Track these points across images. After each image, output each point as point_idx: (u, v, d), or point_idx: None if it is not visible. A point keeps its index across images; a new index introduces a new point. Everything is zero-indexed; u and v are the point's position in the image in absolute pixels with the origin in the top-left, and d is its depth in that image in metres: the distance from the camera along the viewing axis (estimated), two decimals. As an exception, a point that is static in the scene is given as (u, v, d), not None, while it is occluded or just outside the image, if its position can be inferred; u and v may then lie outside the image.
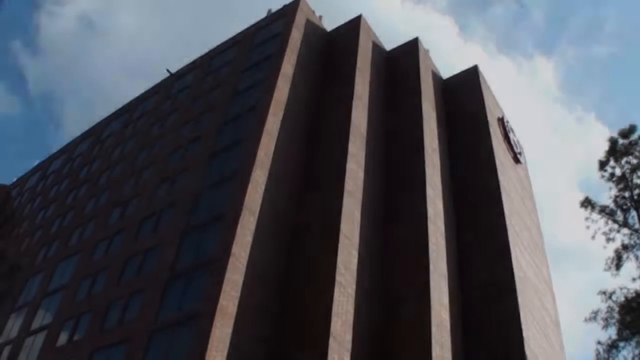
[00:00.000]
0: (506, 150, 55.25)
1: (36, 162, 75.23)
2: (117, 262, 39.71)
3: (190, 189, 39.36)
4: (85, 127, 69.83)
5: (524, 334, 38.14)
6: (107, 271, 39.99)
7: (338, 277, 32.69)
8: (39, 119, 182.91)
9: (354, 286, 34.01)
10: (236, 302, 29.97)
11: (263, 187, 35.73)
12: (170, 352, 30.04)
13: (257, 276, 32.55)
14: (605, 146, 41.46)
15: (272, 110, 40.09)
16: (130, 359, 31.59)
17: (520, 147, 59.94)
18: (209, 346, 27.70)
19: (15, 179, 76.20)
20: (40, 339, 40.57)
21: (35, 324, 42.74)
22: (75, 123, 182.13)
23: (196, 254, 34.06)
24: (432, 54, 58.95)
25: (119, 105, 65.96)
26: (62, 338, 38.70)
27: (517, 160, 57.58)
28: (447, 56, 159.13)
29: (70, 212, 53.71)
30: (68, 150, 69.28)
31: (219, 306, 28.90)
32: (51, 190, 63.02)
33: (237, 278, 30.72)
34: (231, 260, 30.77)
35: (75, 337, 37.62)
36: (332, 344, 30.19)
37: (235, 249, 31.39)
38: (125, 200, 46.40)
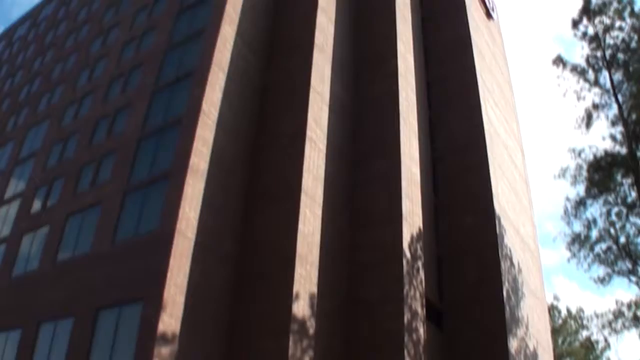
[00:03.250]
0: (479, 6, 54.42)
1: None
2: (87, 125, 39.26)
3: (159, 48, 38.47)
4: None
5: (493, 189, 38.74)
6: (78, 135, 39.60)
7: (309, 133, 32.61)
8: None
9: (324, 142, 34.02)
10: (207, 158, 29.91)
11: (232, 43, 34.96)
12: (144, 211, 30.09)
13: (227, 133, 32.41)
14: (579, 4, 41.02)
15: (239, -37, 38.78)
16: (104, 220, 31.66)
17: (493, 3, 59.08)
18: (182, 203, 27.78)
19: (-21, 49, 74.39)
20: (14, 207, 40.53)
21: (9, 193, 42.60)
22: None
23: (166, 112, 33.62)
24: None
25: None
26: (36, 205, 38.61)
27: (489, 16, 56.85)
28: None
29: (38, 78, 52.73)
30: (32, 15, 67.48)
31: (190, 163, 28.79)
32: (17, 57, 61.66)
33: (208, 135, 30.50)
34: (201, 117, 30.44)
35: (49, 203, 37.52)
36: (304, 199, 30.49)
37: (205, 105, 31.00)
38: (93, 62, 45.37)
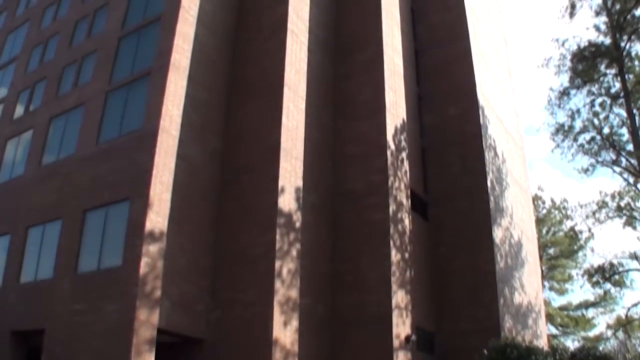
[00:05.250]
0: None
1: None
2: (67, 26, 38.54)
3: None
4: None
5: (476, 79, 38.66)
6: (58, 37, 38.93)
7: (290, 25, 32.20)
8: None
9: (306, 34, 33.66)
10: (188, 55, 29.53)
11: None
12: (127, 111, 29.91)
13: (208, 29, 32.21)
14: None
15: None
16: (88, 121, 31.48)
17: None
18: (165, 101, 27.57)
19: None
20: (-4, 114, 40.25)
21: (-10, 99, 42.20)
22: None
23: (145, 9, 32.89)
24: None
25: None
26: (19, 110, 38.29)
27: None
28: None
29: (16, -18, 51.57)
30: None
31: (171, 60, 28.42)
32: (-7, -39, 60.18)
33: (188, 31, 30.02)
34: (181, 12, 29.81)
35: (32, 107, 37.20)
36: (287, 92, 30.42)
37: (185, 1, 30.37)
38: (69, -37, 44.19)
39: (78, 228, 28.04)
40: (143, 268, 24.19)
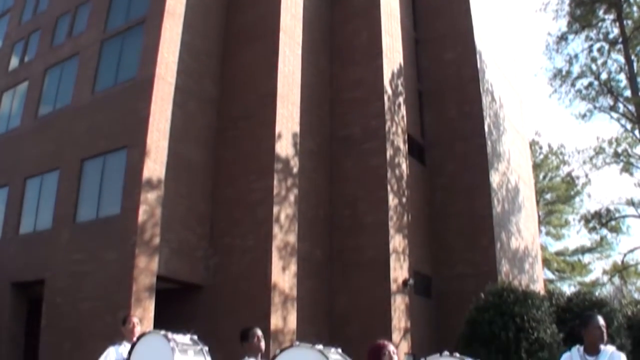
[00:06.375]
0: None
1: None
2: (59, -25, 38.13)
3: None
4: None
5: (474, 23, 38.57)
6: (51, -13, 38.57)
7: (284, -30, 31.93)
8: None
9: (301, -25, 33.45)
10: (183, 1, 29.22)
11: None
12: (122, 59, 29.77)
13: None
14: None
15: None
16: (83, 71, 31.30)
17: None
18: (160, 48, 27.33)
19: None
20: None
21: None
22: None
23: (139, -44, 32.64)
24: None
25: None
26: (14, 62, 38.03)
27: None
28: None
29: None
30: None
31: (166, 7, 28.12)
32: None
33: (183, -22, 29.75)
34: (174, -42, 29.57)
35: (27, 59, 36.96)
36: (283, 38, 30.15)
37: (179, -53, 30.05)
38: None
39: (76, 177, 28.09)
40: (141, 216, 24.28)
